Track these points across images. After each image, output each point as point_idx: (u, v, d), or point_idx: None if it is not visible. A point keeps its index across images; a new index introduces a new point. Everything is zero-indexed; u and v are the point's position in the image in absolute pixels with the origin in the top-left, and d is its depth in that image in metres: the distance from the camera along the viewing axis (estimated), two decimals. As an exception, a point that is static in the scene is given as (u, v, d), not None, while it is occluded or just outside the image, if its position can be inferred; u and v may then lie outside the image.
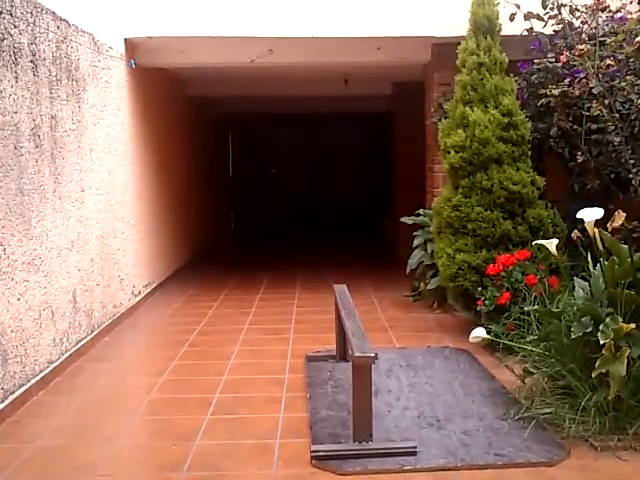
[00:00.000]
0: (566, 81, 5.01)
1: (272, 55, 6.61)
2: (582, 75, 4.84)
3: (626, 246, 3.63)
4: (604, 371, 3.29)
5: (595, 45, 4.72)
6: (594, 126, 5.14)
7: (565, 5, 5.33)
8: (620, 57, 4.76)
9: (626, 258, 3.59)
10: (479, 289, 5.00)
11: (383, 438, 3.36)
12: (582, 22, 5.32)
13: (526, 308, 4.16)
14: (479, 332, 3.90)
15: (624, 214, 3.52)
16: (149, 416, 3.91)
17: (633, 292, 3.50)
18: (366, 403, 3.23)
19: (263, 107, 11.80)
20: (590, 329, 3.40)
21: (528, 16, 5.39)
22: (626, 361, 3.24)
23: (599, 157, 5.39)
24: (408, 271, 6.41)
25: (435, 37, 6.19)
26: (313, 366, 4.60)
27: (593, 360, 3.34)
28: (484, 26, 5.27)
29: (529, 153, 5.28)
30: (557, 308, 3.83)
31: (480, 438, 3.39)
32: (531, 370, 3.82)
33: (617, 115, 4.79)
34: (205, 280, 8.17)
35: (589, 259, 3.89)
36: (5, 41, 3.96)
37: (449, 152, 5.28)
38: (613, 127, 4.92)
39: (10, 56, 4.01)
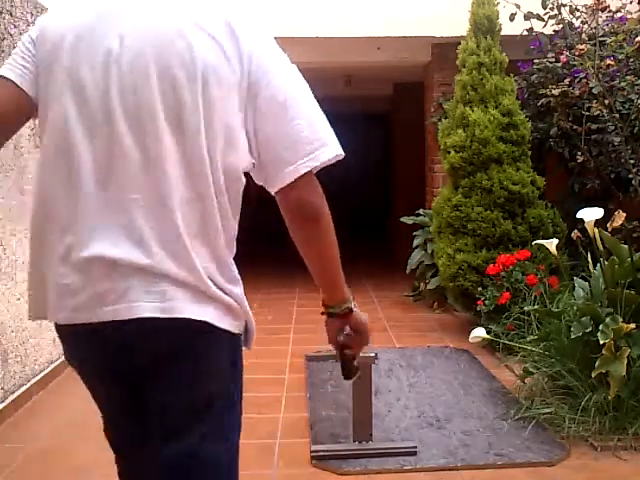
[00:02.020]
0: (566, 81, 5.01)
1: (272, 55, 6.60)
2: (582, 75, 4.85)
3: (626, 246, 3.63)
4: (604, 371, 3.28)
5: (595, 45, 4.72)
6: (594, 126, 5.14)
7: (565, 5, 5.33)
8: (620, 57, 4.76)
9: (626, 258, 3.59)
10: (479, 289, 4.99)
11: (383, 438, 3.36)
12: (582, 22, 5.31)
13: (526, 308, 4.16)
14: (479, 332, 3.90)
15: (624, 214, 3.52)
16: (149, 416, 3.91)
17: (633, 292, 3.50)
18: (366, 403, 3.23)
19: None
20: (590, 329, 3.39)
21: (528, 16, 5.39)
22: (626, 361, 3.23)
23: (599, 157, 5.39)
24: (408, 271, 6.41)
25: (435, 37, 6.20)
26: (313, 366, 4.60)
27: (593, 360, 3.33)
28: (484, 26, 5.27)
29: (529, 153, 5.28)
30: (557, 308, 3.83)
31: (480, 438, 3.39)
32: (531, 370, 3.82)
33: (617, 115, 4.79)
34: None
35: (589, 259, 3.89)
36: (5, 41, 3.95)
37: (449, 152, 5.28)
38: (613, 127, 4.92)
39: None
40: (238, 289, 1.48)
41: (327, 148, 1.41)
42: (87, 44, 1.37)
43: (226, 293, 1.42)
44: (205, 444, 1.46)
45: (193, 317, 1.35)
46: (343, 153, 1.45)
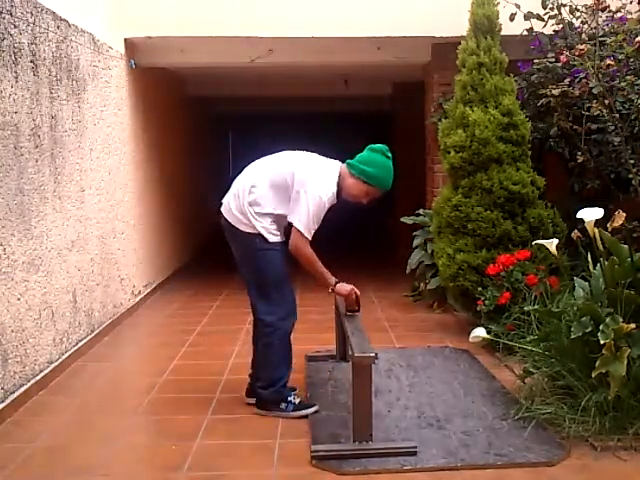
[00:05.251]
0: (566, 81, 5.01)
1: (272, 55, 6.61)
2: (582, 75, 4.85)
3: (626, 246, 3.63)
4: (604, 371, 3.28)
5: (595, 45, 4.72)
6: (594, 126, 5.14)
7: (565, 5, 5.33)
8: (620, 57, 4.76)
9: (626, 258, 3.59)
10: (479, 289, 4.99)
11: (383, 438, 3.36)
12: (582, 22, 5.32)
13: (526, 308, 4.15)
14: (479, 332, 3.90)
15: (624, 214, 3.52)
16: (149, 416, 3.91)
17: (633, 292, 3.50)
18: (366, 403, 3.22)
19: (263, 107, 11.81)
20: (590, 329, 3.40)
21: (528, 16, 5.39)
22: (626, 361, 3.23)
23: (599, 157, 5.39)
24: (408, 271, 6.41)
25: (435, 37, 6.19)
26: (313, 366, 4.60)
27: (593, 360, 3.34)
28: (484, 26, 5.26)
29: (529, 153, 5.27)
30: (557, 308, 3.83)
31: (480, 438, 3.39)
32: (531, 370, 3.82)
33: (617, 115, 4.79)
34: (205, 280, 8.17)
35: (589, 259, 3.89)
36: (5, 41, 3.96)
37: (449, 152, 5.27)
38: (613, 127, 4.92)
39: (10, 56, 4.01)
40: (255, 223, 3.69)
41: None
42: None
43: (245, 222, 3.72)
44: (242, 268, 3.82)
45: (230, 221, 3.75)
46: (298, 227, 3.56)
